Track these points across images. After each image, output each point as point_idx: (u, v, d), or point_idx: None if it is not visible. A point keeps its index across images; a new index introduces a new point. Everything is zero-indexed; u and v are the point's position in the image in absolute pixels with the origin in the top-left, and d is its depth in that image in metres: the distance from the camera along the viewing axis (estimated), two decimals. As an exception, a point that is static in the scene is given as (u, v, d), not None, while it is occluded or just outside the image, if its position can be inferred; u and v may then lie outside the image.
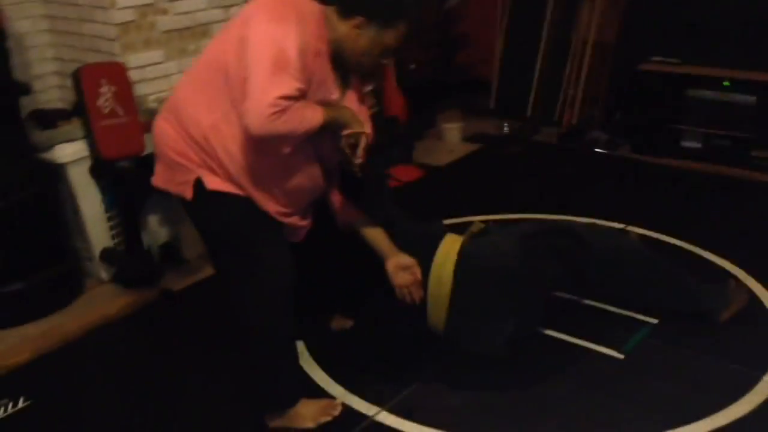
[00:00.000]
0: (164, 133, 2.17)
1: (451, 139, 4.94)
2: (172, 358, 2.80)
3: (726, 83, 4.09)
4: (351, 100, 2.22)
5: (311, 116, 1.98)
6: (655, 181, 4.11)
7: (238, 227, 2.15)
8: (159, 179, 2.24)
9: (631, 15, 4.76)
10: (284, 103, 1.87)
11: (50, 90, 3.53)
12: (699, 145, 4.26)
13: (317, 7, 2.07)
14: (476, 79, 5.60)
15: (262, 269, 2.15)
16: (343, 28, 2.07)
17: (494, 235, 2.64)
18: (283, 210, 2.19)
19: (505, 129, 5.10)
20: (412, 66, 5.05)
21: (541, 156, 4.69)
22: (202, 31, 3.49)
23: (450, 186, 4.28)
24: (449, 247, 2.51)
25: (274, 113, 1.86)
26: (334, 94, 2.14)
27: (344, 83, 2.19)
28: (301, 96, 1.93)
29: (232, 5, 3.56)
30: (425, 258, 2.48)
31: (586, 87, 4.99)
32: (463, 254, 2.49)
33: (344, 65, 2.14)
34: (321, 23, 2.05)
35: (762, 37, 4.10)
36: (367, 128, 2.16)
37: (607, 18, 4.91)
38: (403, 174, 4.32)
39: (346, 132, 2.09)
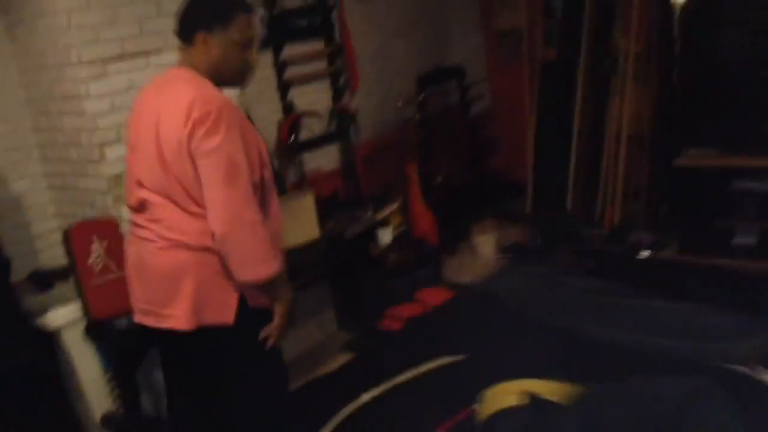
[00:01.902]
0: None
1: (486, 252, 4.66)
2: None
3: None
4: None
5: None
6: (708, 282, 3.71)
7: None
8: (186, 321, 2.09)
9: (663, 105, 4.48)
10: None
11: (54, 247, 3.44)
12: (754, 241, 3.85)
13: (181, 71, 2.15)
14: (510, 184, 5.35)
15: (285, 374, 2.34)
16: (198, 54, 2.11)
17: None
18: None
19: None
20: (439, 179, 4.86)
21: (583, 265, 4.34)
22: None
23: (480, 308, 3.95)
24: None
25: None
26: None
27: None
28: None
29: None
30: None
31: (624, 184, 4.68)
32: None
33: (231, 83, 2.19)
34: (193, 76, 2.10)
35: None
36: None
37: (639, 108, 4.66)
38: (430, 297, 4.04)
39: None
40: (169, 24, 3.22)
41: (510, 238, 4.80)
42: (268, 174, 2.18)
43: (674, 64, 4.41)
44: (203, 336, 2.12)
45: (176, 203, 2.08)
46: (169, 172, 2.06)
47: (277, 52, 4.07)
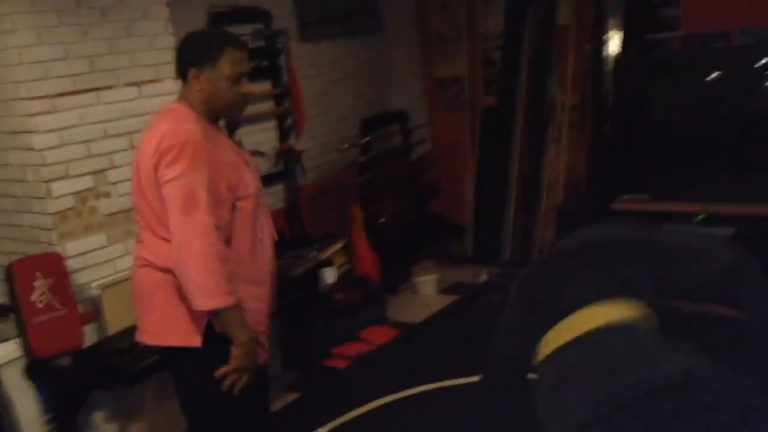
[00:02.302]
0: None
1: (427, 292, 4.74)
2: None
3: (700, 218, 3.94)
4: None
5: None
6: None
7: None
8: (151, 336, 2.23)
9: (598, 153, 4.70)
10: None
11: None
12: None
13: (174, 104, 2.25)
14: (450, 226, 5.48)
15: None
16: (191, 89, 2.21)
17: None
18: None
19: (483, 276, 4.90)
20: (382, 220, 4.94)
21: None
22: (148, 210, 3.38)
23: (426, 346, 4.02)
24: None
25: None
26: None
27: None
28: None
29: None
30: None
31: (561, 227, 4.86)
32: None
33: (225, 115, 2.29)
34: (179, 110, 2.20)
35: (728, 171, 3.99)
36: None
37: (575, 156, 4.87)
38: (376, 336, 4.08)
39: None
40: (121, 62, 3.28)
41: (451, 278, 4.90)
42: (247, 206, 2.22)
43: (607, 115, 4.64)
44: (179, 357, 2.21)
45: (151, 227, 2.18)
46: (145, 198, 2.16)
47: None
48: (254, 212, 2.24)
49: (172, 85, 3.48)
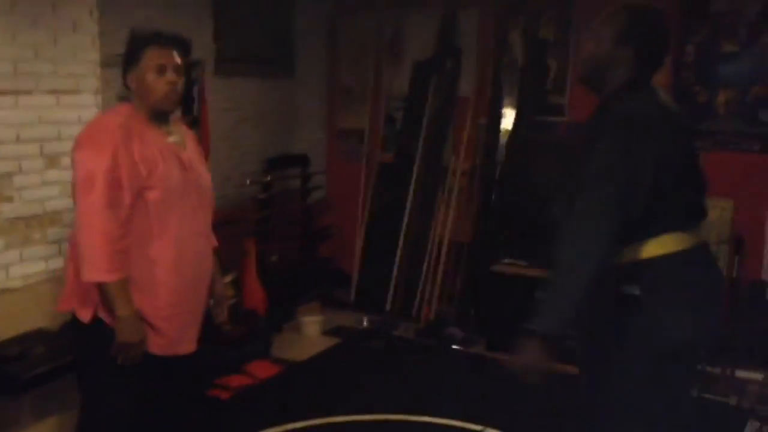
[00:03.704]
0: None
1: (311, 333, 4.86)
2: None
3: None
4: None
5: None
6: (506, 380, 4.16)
7: None
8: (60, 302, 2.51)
9: (484, 218, 5.05)
10: None
11: None
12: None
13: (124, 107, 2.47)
14: (337, 272, 5.66)
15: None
16: (131, 90, 2.45)
17: None
18: None
19: (365, 323, 5.09)
20: (273, 258, 5.05)
21: (400, 351, 4.68)
22: (51, 219, 3.35)
23: (307, 383, 4.13)
24: None
25: None
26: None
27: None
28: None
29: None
30: None
31: (442, 284, 5.15)
32: None
33: (162, 107, 2.45)
34: (115, 108, 2.52)
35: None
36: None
37: (461, 219, 5.20)
38: (259, 370, 4.15)
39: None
40: (44, 68, 3.28)
41: (334, 322, 5.05)
42: (154, 195, 2.37)
43: (495, 185, 5.02)
44: (74, 326, 2.50)
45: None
46: None
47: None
48: (165, 202, 2.40)
49: (91, 99, 3.52)
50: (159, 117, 2.47)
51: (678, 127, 2.16)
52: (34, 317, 3.22)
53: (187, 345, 2.55)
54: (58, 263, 3.37)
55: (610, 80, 2.18)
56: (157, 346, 2.44)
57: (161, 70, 2.39)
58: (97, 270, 2.30)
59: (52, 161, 3.35)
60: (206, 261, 2.62)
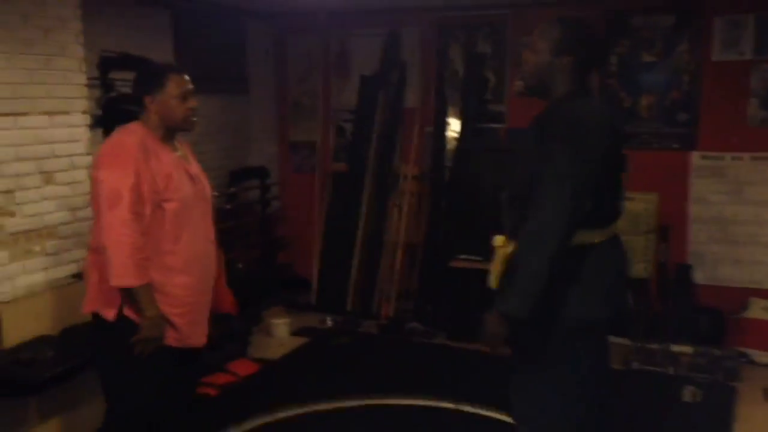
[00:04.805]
0: None
1: (280, 334, 5.13)
2: None
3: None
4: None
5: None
6: (471, 363, 4.57)
7: None
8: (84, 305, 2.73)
9: (435, 219, 5.45)
10: None
11: None
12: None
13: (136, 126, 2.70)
14: (297, 277, 5.95)
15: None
16: (148, 112, 2.67)
17: None
18: None
19: (329, 323, 5.40)
20: (240, 265, 5.30)
21: (366, 346, 5.02)
22: (49, 232, 3.54)
23: (286, 378, 4.43)
24: None
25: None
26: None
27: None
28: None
29: (78, 208, 3.68)
30: None
31: (399, 283, 5.52)
32: None
33: (181, 128, 2.73)
34: (130, 126, 2.69)
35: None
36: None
37: (414, 221, 5.58)
38: (241, 368, 4.41)
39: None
40: (39, 92, 3.49)
41: (299, 323, 5.34)
42: (171, 206, 2.64)
43: (445, 188, 5.43)
44: (98, 325, 2.72)
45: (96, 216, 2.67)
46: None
47: (107, 133, 4.34)
48: (179, 212, 2.66)
49: (80, 119, 3.74)
50: (170, 135, 2.75)
51: (613, 130, 2.36)
52: (38, 325, 3.41)
53: (198, 338, 2.83)
54: (56, 273, 3.58)
55: (554, 88, 2.39)
56: (173, 339, 2.72)
57: (185, 96, 2.68)
58: (126, 276, 2.55)
59: (48, 178, 3.55)
60: (213, 263, 2.91)
